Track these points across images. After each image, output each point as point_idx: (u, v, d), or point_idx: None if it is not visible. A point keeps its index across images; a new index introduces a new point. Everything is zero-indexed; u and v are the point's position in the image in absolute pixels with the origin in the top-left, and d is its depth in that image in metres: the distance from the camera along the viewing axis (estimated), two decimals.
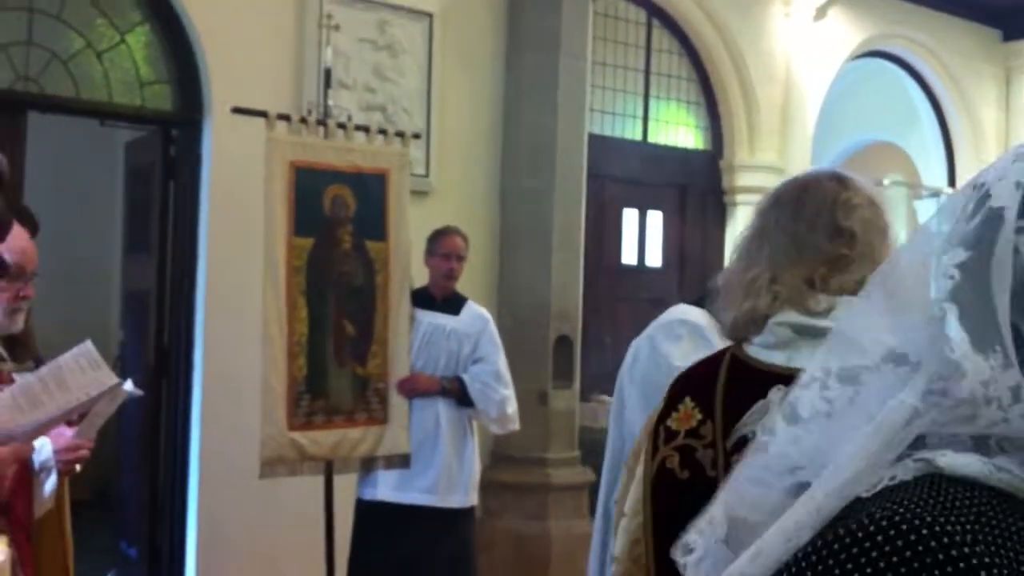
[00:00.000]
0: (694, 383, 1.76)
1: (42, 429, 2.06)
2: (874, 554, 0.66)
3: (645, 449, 1.76)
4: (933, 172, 9.36)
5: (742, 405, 1.65)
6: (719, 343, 1.97)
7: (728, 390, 1.70)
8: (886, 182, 8.96)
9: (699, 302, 2.76)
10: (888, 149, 9.99)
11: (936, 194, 9.06)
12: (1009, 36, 9.11)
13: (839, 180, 1.73)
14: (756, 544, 0.78)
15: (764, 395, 1.62)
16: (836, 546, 0.68)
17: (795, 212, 1.69)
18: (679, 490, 1.68)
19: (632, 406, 2.63)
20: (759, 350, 1.70)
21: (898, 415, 0.73)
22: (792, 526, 0.75)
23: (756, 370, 1.68)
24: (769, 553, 0.76)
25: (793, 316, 1.66)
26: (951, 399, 0.71)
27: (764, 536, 0.77)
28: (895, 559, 0.65)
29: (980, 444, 0.72)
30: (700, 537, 0.91)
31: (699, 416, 1.71)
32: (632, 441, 2.18)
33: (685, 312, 2.68)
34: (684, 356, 2.30)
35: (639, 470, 1.76)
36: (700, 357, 1.87)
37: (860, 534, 0.67)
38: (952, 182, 9.26)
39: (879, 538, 0.66)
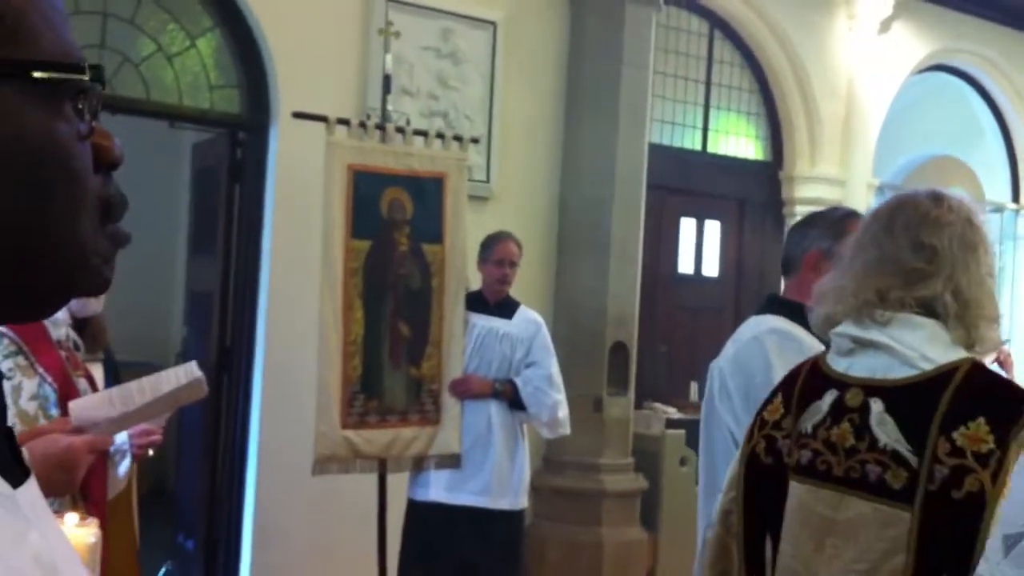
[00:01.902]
0: (786, 380, 1.96)
1: (125, 422, 2.15)
2: None
3: (746, 433, 2.00)
4: (997, 187, 9.23)
5: (808, 404, 1.85)
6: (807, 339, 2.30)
7: (802, 390, 1.88)
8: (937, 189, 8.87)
9: (765, 311, 2.83)
10: (952, 163, 9.86)
11: (999, 209, 8.93)
12: None
13: (935, 198, 1.83)
14: None
15: (821, 397, 1.83)
16: None
17: (887, 226, 1.82)
18: (763, 472, 1.91)
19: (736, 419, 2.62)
20: (832, 356, 1.87)
21: None
22: None
23: (824, 375, 1.86)
24: None
25: (852, 328, 1.81)
26: None
27: None
28: None
29: None
30: None
31: (782, 410, 1.90)
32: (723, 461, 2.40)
33: (765, 321, 2.73)
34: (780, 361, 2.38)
35: (738, 451, 2.01)
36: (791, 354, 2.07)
37: None
38: (1016, 198, 9.13)
39: None
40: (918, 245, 1.78)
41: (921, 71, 8.34)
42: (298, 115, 4.42)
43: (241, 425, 5.32)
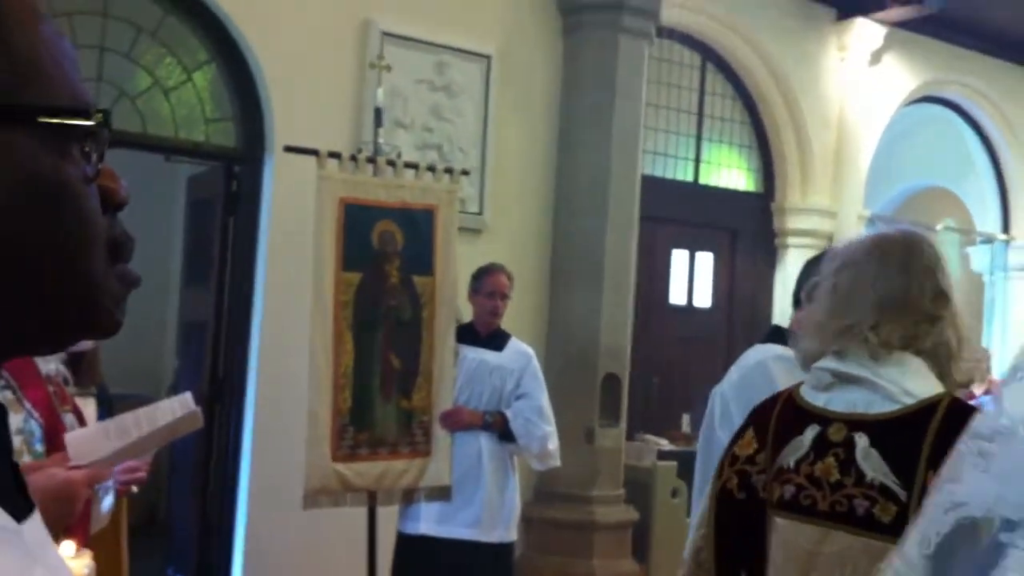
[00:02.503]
0: (758, 416, 1.95)
1: (123, 455, 2.15)
2: None
3: (716, 470, 1.98)
4: (987, 218, 9.28)
5: (786, 439, 1.84)
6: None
7: (778, 425, 1.87)
8: (939, 227, 8.92)
9: (768, 340, 2.86)
10: (942, 194, 9.92)
11: (989, 240, 8.98)
12: None
13: (929, 244, 1.89)
14: None
15: (802, 432, 1.83)
16: None
17: (902, 269, 1.83)
18: (736, 508, 1.90)
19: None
20: (807, 391, 1.87)
21: None
22: None
23: (802, 409, 1.86)
24: None
25: (833, 363, 1.83)
26: None
27: None
28: None
29: None
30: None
31: (756, 445, 1.90)
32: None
33: (770, 348, 2.76)
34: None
35: (708, 488, 1.99)
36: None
37: None
38: (1006, 228, 9.17)
39: None
40: (937, 291, 1.83)
41: (912, 102, 8.41)
42: (289, 149, 4.46)
43: (233, 457, 5.32)
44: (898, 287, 1.82)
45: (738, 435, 1.97)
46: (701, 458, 2.85)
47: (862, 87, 7.81)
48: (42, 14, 0.68)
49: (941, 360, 1.81)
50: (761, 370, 2.68)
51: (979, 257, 9.28)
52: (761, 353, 2.77)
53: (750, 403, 2.52)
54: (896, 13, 7.60)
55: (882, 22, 7.72)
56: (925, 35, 8.11)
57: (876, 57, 7.87)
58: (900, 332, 1.80)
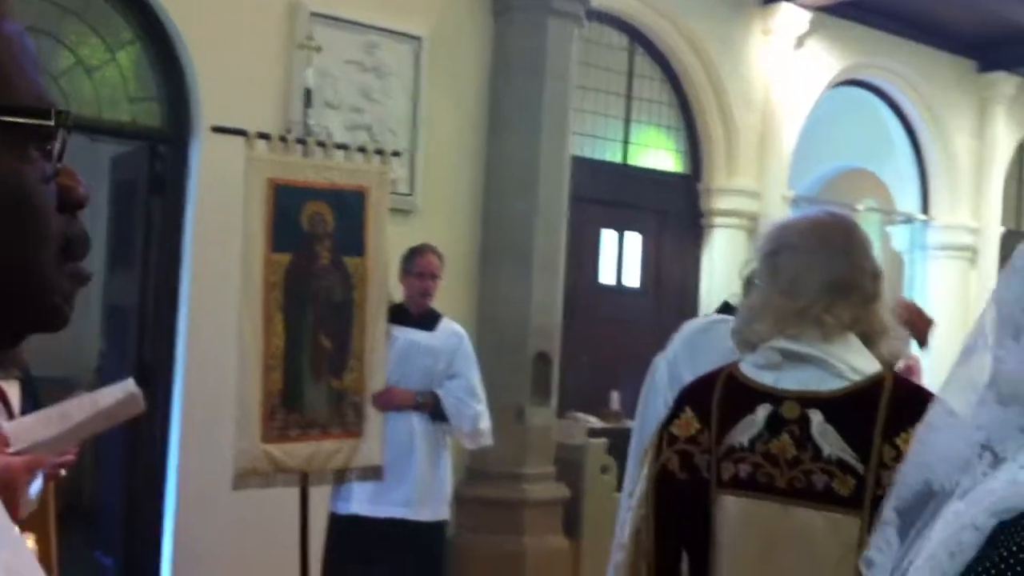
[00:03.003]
0: (694, 395, 1.96)
1: (64, 440, 2.13)
2: None
3: (651, 451, 1.97)
4: (907, 199, 9.51)
5: (733, 418, 1.86)
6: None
7: (723, 404, 1.89)
8: (861, 208, 9.12)
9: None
10: (864, 176, 10.14)
11: (909, 220, 9.21)
12: (984, 67, 9.27)
13: (856, 224, 1.97)
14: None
15: (752, 410, 1.86)
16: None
17: (847, 254, 1.89)
18: (678, 489, 1.91)
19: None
20: (751, 369, 1.89)
21: None
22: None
23: (748, 387, 1.88)
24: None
25: (784, 343, 1.86)
26: None
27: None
28: None
29: None
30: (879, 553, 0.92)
31: (697, 425, 1.90)
32: None
33: (718, 317, 2.81)
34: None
35: (645, 469, 1.98)
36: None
37: None
38: (925, 209, 9.41)
39: None
40: (876, 274, 1.90)
41: (835, 85, 8.57)
42: (217, 129, 4.42)
43: (161, 439, 5.27)
44: (844, 269, 1.87)
45: (674, 415, 1.97)
46: (638, 427, 2.90)
47: (787, 70, 7.94)
48: (4, 13, 0.68)
49: (875, 338, 1.87)
50: (704, 336, 2.73)
51: (899, 237, 9.51)
52: (708, 319, 2.83)
53: (696, 370, 2.57)
54: None
55: (806, 6, 7.84)
56: (848, 20, 8.26)
57: (800, 41, 8.00)
58: (850, 313, 1.85)
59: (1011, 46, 8.95)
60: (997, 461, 0.78)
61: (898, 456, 1.73)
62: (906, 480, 0.85)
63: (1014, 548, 0.69)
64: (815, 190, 10.19)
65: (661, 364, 2.94)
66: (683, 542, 1.92)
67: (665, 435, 1.95)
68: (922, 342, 4.25)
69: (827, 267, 1.87)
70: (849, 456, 1.76)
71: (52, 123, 0.69)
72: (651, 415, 2.75)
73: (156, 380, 5.29)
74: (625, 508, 2.94)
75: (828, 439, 1.78)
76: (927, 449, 0.83)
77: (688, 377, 2.58)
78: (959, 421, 0.83)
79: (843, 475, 1.76)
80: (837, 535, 1.75)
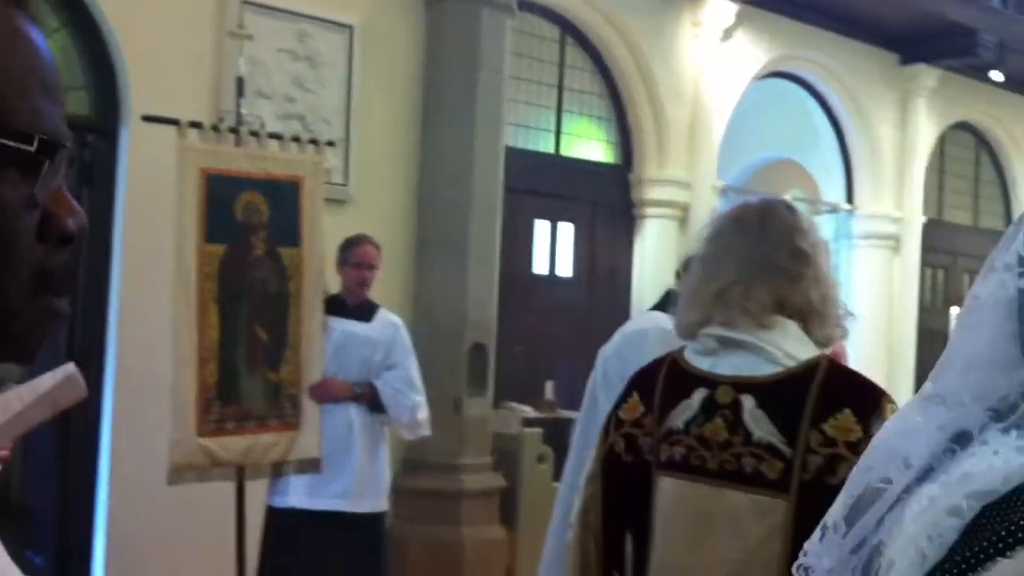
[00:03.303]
0: (641, 380, 2.01)
1: (7, 431, 2.08)
2: None
3: (601, 433, 2.03)
4: (832, 189, 9.70)
5: (673, 402, 1.91)
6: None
7: (664, 388, 1.93)
8: (788, 198, 9.27)
9: (658, 308, 2.96)
10: (790, 166, 10.32)
11: (834, 210, 9.39)
12: (906, 60, 9.49)
13: (788, 208, 1.99)
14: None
15: (689, 395, 1.90)
16: None
17: (760, 235, 1.92)
18: (623, 470, 1.95)
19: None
20: (692, 355, 1.94)
21: None
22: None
23: (687, 373, 1.93)
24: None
25: (719, 329, 1.90)
26: None
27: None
28: None
29: None
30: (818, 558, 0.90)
31: (642, 409, 1.95)
32: None
33: (657, 318, 2.84)
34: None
35: (594, 450, 2.04)
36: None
37: None
38: (850, 199, 9.62)
39: None
40: (794, 251, 1.91)
41: (762, 77, 8.70)
42: (148, 118, 4.34)
43: (92, 434, 5.17)
44: (755, 250, 1.91)
45: (622, 399, 2.02)
46: (583, 418, 2.93)
47: (715, 62, 8.04)
48: (22, 31, 0.66)
49: (807, 318, 1.90)
50: (639, 339, 2.77)
51: (825, 226, 9.69)
52: (647, 322, 2.86)
53: (625, 370, 2.61)
54: None
55: None
56: (774, 12, 8.39)
57: (728, 33, 8.10)
58: (768, 291, 1.88)
59: (932, 39, 9.18)
60: (965, 443, 0.79)
61: (825, 441, 1.77)
62: (858, 479, 0.86)
63: (1002, 533, 0.71)
64: (743, 180, 10.35)
65: (600, 360, 2.99)
66: (628, 522, 1.95)
67: (613, 419, 2.01)
68: None
69: (741, 249, 1.92)
70: (778, 440, 1.80)
71: (33, 150, 0.67)
72: (594, 409, 2.78)
73: (87, 374, 5.16)
74: (564, 494, 2.99)
75: (758, 423, 1.82)
76: (884, 443, 0.85)
77: (615, 378, 2.63)
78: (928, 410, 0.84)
79: (771, 459, 1.80)
80: (764, 517, 1.79)
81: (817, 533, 0.87)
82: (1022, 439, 0.75)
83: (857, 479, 0.86)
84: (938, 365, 0.84)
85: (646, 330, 2.79)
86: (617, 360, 2.75)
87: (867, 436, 1.75)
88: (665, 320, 2.75)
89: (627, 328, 2.90)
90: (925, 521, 0.75)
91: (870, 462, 0.85)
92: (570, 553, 2.06)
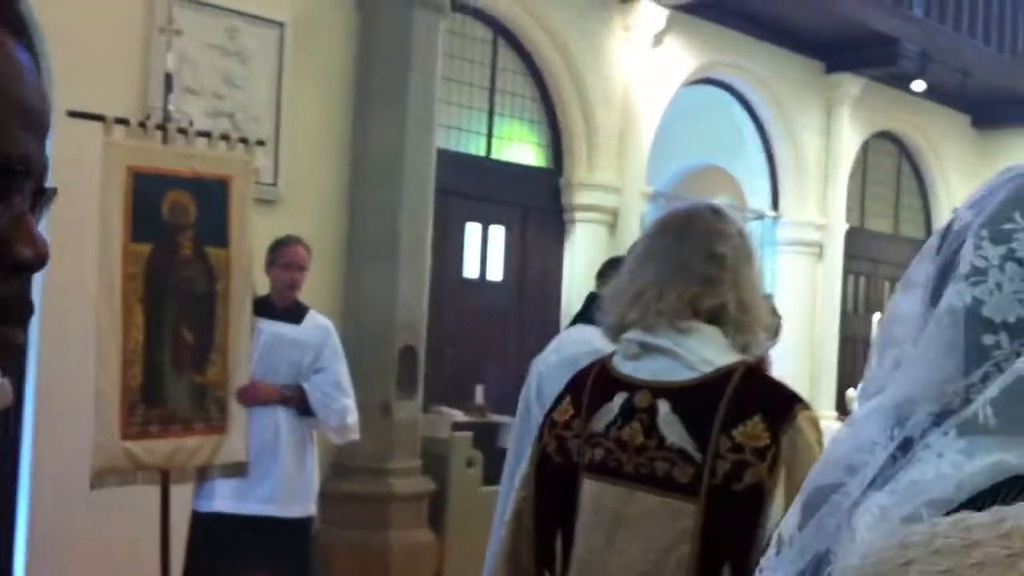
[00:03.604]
0: (575, 383, 2.05)
1: None
2: None
3: (537, 435, 2.07)
4: (758, 195, 9.85)
5: (598, 405, 1.94)
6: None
7: (592, 392, 1.97)
8: (714, 203, 9.38)
9: (584, 314, 2.96)
10: (717, 172, 10.46)
11: (760, 217, 9.53)
12: (831, 68, 9.68)
13: (715, 213, 1.99)
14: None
15: (611, 398, 1.94)
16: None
17: (679, 238, 1.95)
18: (554, 471, 1.99)
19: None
20: (618, 359, 1.97)
21: None
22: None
23: (612, 377, 1.96)
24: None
25: (639, 334, 1.92)
26: None
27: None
28: None
29: None
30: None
31: (572, 411, 1.99)
32: None
33: (591, 341, 2.84)
34: None
35: (530, 451, 2.07)
36: None
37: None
38: (775, 206, 9.77)
39: None
40: (710, 254, 1.92)
41: (691, 83, 8.79)
42: (73, 114, 4.23)
43: (12, 438, 5.03)
44: (673, 252, 1.94)
45: (557, 401, 2.06)
46: (518, 425, 2.94)
47: (645, 67, 8.11)
48: (5, 49, 0.63)
49: (724, 324, 1.92)
50: (571, 367, 2.78)
51: (752, 233, 9.84)
52: (580, 344, 2.87)
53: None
54: None
55: (665, 4, 8.03)
56: (703, 19, 8.50)
57: (659, 39, 8.18)
58: (679, 292, 1.90)
59: (856, 49, 9.37)
60: (906, 444, 0.80)
61: (733, 447, 1.80)
62: (810, 490, 0.86)
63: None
64: (672, 186, 10.45)
65: (535, 372, 3.01)
66: (558, 522, 1.98)
67: (548, 421, 2.05)
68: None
69: (660, 251, 1.95)
70: (689, 445, 1.83)
71: None
72: (528, 417, 2.80)
73: (8, 374, 5.04)
74: (504, 496, 3.01)
75: (672, 428, 1.85)
76: (835, 453, 0.85)
77: (548, 397, 2.65)
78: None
79: (683, 463, 1.82)
80: (675, 520, 1.82)
81: (772, 548, 0.86)
82: (961, 439, 0.76)
83: (809, 490, 0.86)
84: (880, 375, 0.85)
85: (578, 357, 2.80)
86: (553, 383, 2.77)
87: (775, 443, 1.78)
88: (599, 340, 2.77)
89: (565, 348, 2.91)
90: (884, 530, 0.76)
91: (821, 473, 0.85)
92: (501, 549, 2.08)
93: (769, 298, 2.78)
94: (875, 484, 0.79)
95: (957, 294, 0.77)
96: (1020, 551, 0.51)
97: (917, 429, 0.79)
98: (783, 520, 0.85)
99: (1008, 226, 0.76)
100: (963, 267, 0.77)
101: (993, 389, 0.73)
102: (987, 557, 0.51)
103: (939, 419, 0.78)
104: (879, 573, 0.56)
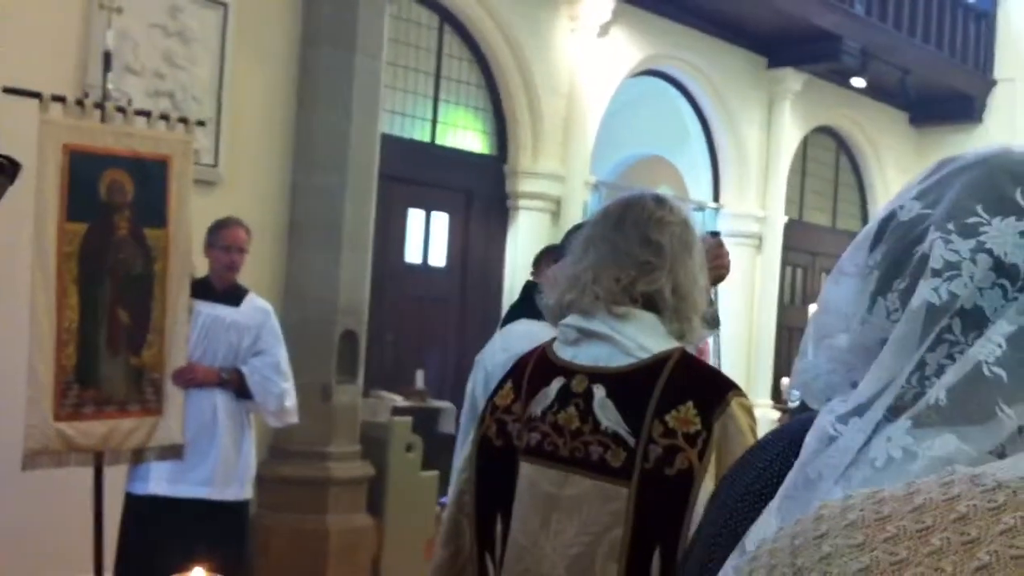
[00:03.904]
0: (516, 368, 2.08)
1: None
2: None
3: (478, 418, 2.09)
4: (700, 187, 9.95)
5: (536, 390, 1.97)
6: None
7: (531, 377, 2.00)
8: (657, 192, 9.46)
9: (523, 304, 2.99)
10: (660, 163, 10.54)
11: (701, 208, 9.64)
12: (774, 63, 9.80)
13: (658, 200, 2.01)
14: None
15: (549, 383, 1.97)
16: None
17: (617, 224, 1.97)
18: (494, 454, 2.02)
19: None
20: (558, 345, 2.00)
21: None
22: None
23: (551, 362, 1.99)
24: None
25: (578, 320, 1.95)
26: None
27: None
28: None
29: None
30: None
31: (512, 396, 2.02)
32: None
33: (537, 334, 2.85)
34: None
35: (472, 434, 2.10)
36: None
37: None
38: (716, 197, 9.87)
39: None
40: (646, 240, 1.94)
41: (636, 75, 8.85)
42: (9, 90, 4.15)
43: None
44: (612, 238, 1.96)
45: (499, 386, 2.10)
46: (466, 414, 2.98)
47: (591, 57, 8.14)
48: None
49: (661, 311, 1.95)
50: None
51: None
52: (526, 341, 2.88)
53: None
54: None
55: None
56: (649, 11, 8.55)
57: (604, 29, 8.22)
58: (615, 276, 1.93)
59: (798, 44, 9.49)
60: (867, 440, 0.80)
61: (665, 432, 1.83)
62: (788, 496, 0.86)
63: None
64: (615, 176, 10.51)
65: (480, 366, 3.05)
66: (498, 504, 2.00)
67: (490, 405, 2.08)
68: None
69: (601, 237, 1.98)
70: (623, 430, 1.85)
71: None
72: (475, 406, 2.83)
73: None
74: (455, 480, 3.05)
75: (606, 412, 1.87)
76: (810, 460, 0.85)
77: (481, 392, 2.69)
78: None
79: (616, 448, 1.85)
80: (607, 503, 1.85)
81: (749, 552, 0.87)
82: (912, 431, 0.77)
83: (785, 498, 0.85)
84: (817, 365, 0.86)
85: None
86: (498, 375, 2.80)
87: (707, 429, 1.81)
88: (544, 333, 2.80)
89: (511, 347, 2.92)
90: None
91: (795, 483, 0.84)
92: (443, 529, 2.11)
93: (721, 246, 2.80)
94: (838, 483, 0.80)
95: (932, 291, 0.77)
96: (931, 525, 0.53)
97: (871, 424, 0.80)
98: (757, 525, 0.85)
99: (972, 220, 0.77)
100: (934, 263, 0.78)
101: (949, 376, 0.75)
102: (900, 530, 0.53)
103: (896, 413, 0.79)
104: (795, 547, 0.57)
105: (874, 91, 10.73)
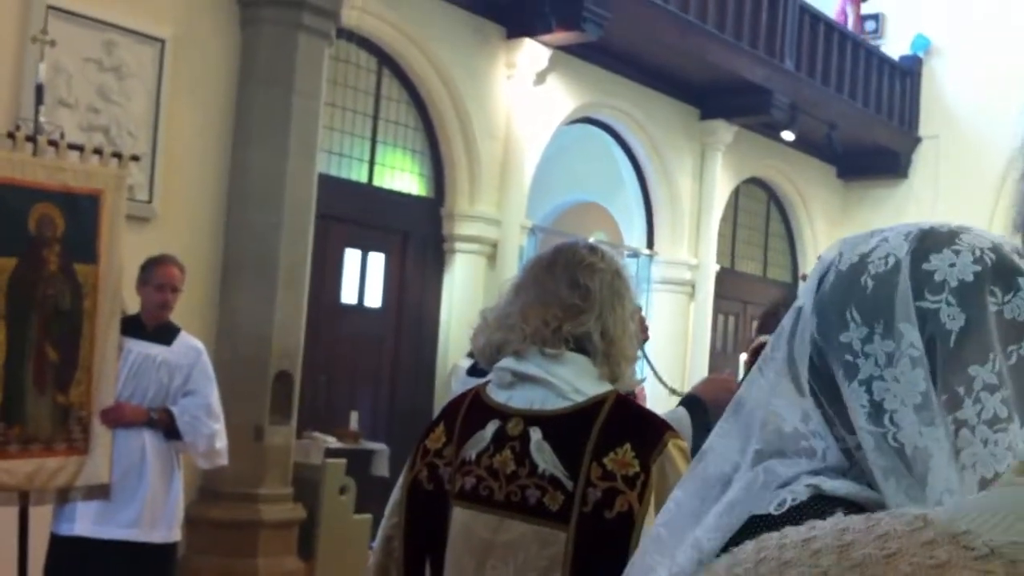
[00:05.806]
0: (448, 411, 2.05)
1: None
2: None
3: (408, 461, 2.05)
4: (634, 233, 10.07)
5: (470, 433, 1.95)
6: None
7: (465, 420, 1.97)
8: (591, 240, 9.57)
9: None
10: (595, 209, 10.66)
11: (635, 254, 9.75)
12: (705, 115, 9.99)
13: (591, 248, 2.04)
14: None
15: (484, 426, 1.94)
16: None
17: (548, 267, 1.99)
18: (425, 499, 1.98)
19: None
20: (492, 388, 1.98)
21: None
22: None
23: (486, 405, 1.96)
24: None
25: (512, 363, 1.94)
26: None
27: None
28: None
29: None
30: None
31: (444, 439, 1.98)
32: None
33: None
34: None
35: (401, 479, 2.05)
36: None
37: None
38: (651, 244, 10.00)
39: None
40: (575, 284, 1.95)
41: (572, 122, 8.97)
42: None
43: None
44: (541, 280, 1.98)
45: (430, 429, 2.06)
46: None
47: (528, 104, 8.24)
48: None
49: (591, 354, 1.95)
50: None
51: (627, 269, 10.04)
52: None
53: None
54: (560, 37, 8.08)
55: (547, 44, 8.18)
56: (584, 60, 8.69)
57: (541, 77, 8.33)
58: (541, 317, 1.94)
59: (729, 96, 9.70)
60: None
61: (604, 475, 1.83)
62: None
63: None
64: (551, 220, 10.60)
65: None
66: (428, 549, 1.97)
67: (420, 448, 2.04)
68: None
69: (531, 280, 2.00)
70: (560, 473, 1.85)
71: None
72: None
73: None
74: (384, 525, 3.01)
75: (543, 455, 1.87)
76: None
77: None
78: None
79: (554, 491, 1.84)
80: (545, 548, 1.83)
81: None
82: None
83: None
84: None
85: None
86: None
87: (645, 471, 1.82)
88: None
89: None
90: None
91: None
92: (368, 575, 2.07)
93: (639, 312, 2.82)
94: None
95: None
96: (895, 551, 0.55)
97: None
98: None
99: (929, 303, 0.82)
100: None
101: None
102: (865, 559, 0.55)
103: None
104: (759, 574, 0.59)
105: (803, 144, 10.98)
